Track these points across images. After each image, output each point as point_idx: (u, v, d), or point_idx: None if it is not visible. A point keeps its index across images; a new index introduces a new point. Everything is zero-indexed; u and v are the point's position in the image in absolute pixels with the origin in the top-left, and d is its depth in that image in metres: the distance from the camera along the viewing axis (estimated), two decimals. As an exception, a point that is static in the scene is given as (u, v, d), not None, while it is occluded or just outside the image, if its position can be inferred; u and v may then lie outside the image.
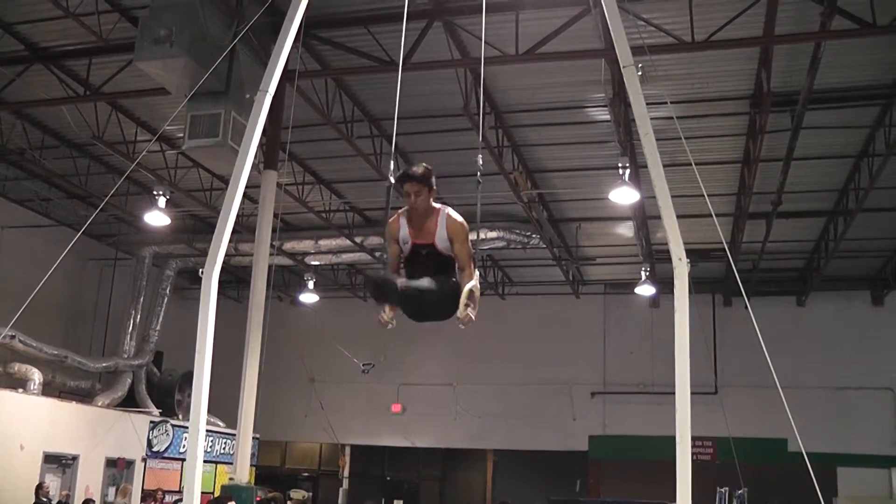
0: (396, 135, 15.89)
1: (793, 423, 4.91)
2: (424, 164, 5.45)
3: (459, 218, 5.45)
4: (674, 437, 17.84)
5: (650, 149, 5.06)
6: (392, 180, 6.25)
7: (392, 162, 6.47)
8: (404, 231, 5.47)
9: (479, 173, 5.88)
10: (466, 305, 5.14)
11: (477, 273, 5.33)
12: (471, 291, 5.19)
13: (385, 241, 5.71)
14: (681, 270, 4.74)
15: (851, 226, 17.56)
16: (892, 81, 13.36)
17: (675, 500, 11.78)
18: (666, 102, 9.22)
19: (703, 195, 14.69)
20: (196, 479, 5.06)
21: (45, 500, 15.83)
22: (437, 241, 5.37)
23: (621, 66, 5.35)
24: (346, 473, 26.64)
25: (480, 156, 5.88)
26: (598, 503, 17.57)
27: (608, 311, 24.73)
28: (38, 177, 19.00)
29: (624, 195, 15.31)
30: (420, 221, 5.41)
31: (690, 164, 13.56)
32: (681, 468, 4.54)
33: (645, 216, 18.09)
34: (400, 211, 5.59)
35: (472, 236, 5.64)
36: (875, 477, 21.39)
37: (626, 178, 14.80)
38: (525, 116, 15.24)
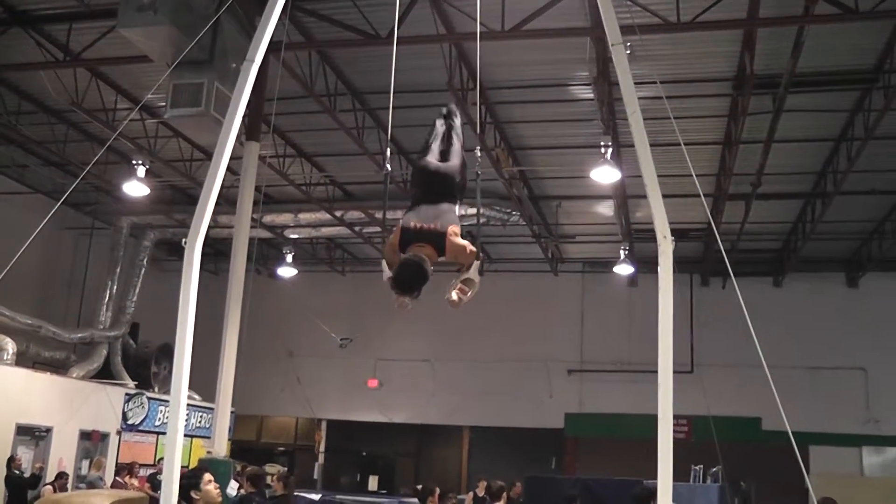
0: (379, 109, 15.90)
1: (779, 403, 4.93)
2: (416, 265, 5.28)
3: (460, 241, 5.52)
4: (650, 416, 17.92)
5: (637, 127, 5.05)
6: (388, 168, 6.49)
7: (388, 151, 6.60)
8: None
9: (477, 167, 6.32)
10: (462, 290, 5.23)
11: (477, 264, 5.40)
12: (469, 280, 5.29)
13: (385, 258, 5.70)
14: (665, 248, 4.75)
15: (829, 208, 17.72)
16: (872, 67, 13.44)
17: (651, 478, 11.87)
18: (655, 82, 9.21)
19: (683, 175, 14.92)
20: (176, 453, 5.04)
21: (17, 472, 15.73)
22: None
23: (610, 44, 5.33)
24: (322, 448, 26.67)
25: (479, 152, 6.01)
26: (573, 481, 17.66)
27: (586, 290, 24.81)
28: (15, 143, 18.75)
29: (605, 174, 15.34)
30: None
31: (671, 145, 13.69)
32: (662, 446, 4.57)
33: (625, 195, 18.13)
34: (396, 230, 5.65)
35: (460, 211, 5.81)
36: (847, 455, 21.76)
37: (608, 157, 14.83)
38: (509, 93, 15.20)
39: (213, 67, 11.59)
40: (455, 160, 6.23)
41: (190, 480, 5.86)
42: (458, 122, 6.60)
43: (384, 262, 5.64)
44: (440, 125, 6.49)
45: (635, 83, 5.39)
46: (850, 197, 17.75)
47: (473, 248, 5.47)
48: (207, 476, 5.92)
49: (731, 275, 5.35)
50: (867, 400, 22.57)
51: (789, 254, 22.13)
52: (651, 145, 5.22)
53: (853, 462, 22.28)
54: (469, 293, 5.32)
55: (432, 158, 6.13)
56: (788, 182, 18.02)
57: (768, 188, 17.17)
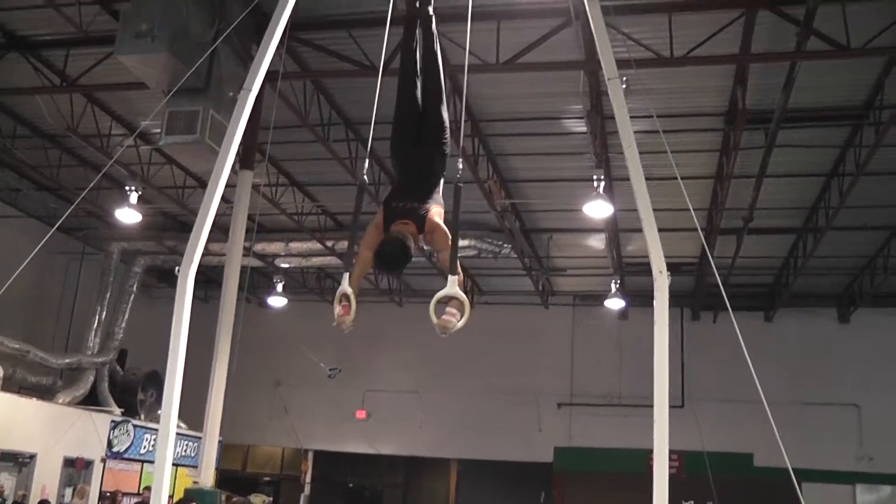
0: (373, 139, 15.91)
1: (779, 439, 4.88)
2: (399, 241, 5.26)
3: (439, 221, 5.38)
4: (640, 450, 17.96)
5: (633, 161, 5.05)
6: (365, 179, 6.25)
7: (367, 162, 6.45)
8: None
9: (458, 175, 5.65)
10: (451, 313, 4.96)
11: (457, 277, 5.03)
12: (455, 299, 4.99)
13: (358, 245, 5.59)
14: (661, 283, 4.74)
15: (820, 243, 17.79)
16: (863, 103, 13.55)
17: (639, 513, 11.76)
18: (649, 116, 9.25)
19: (675, 209, 14.94)
20: (164, 482, 4.98)
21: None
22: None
23: (606, 78, 5.35)
24: (308, 479, 26.46)
25: (460, 161, 5.76)
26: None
27: (577, 323, 24.78)
28: (8, 167, 18.73)
29: (598, 208, 15.36)
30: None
31: (664, 179, 13.73)
32: (658, 482, 4.53)
33: (617, 228, 18.16)
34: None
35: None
36: (839, 493, 21.61)
37: (601, 191, 14.86)
38: (502, 125, 15.27)
39: (209, 95, 11.61)
40: (438, 109, 5.83)
41: (178, 511, 5.81)
42: (434, 26, 5.96)
43: (356, 260, 5.55)
44: (413, 37, 5.92)
45: (630, 117, 5.40)
46: (842, 232, 17.82)
47: (447, 233, 5.33)
48: (195, 508, 5.86)
49: (729, 308, 5.33)
50: (861, 436, 22.50)
51: (781, 289, 22.15)
52: (645, 179, 5.22)
53: (847, 499, 22.13)
54: (461, 318, 4.96)
55: (408, 124, 5.74)
56: (780, 217, 18.10)
57: (760, 223, 17.23)
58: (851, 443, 22.35)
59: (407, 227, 5.28)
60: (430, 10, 5.85)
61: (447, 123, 5.73)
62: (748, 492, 20.54)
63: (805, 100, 13.34)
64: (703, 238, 8.11)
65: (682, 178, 16.30)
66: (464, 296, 5.06)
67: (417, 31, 5.84)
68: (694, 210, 16.61)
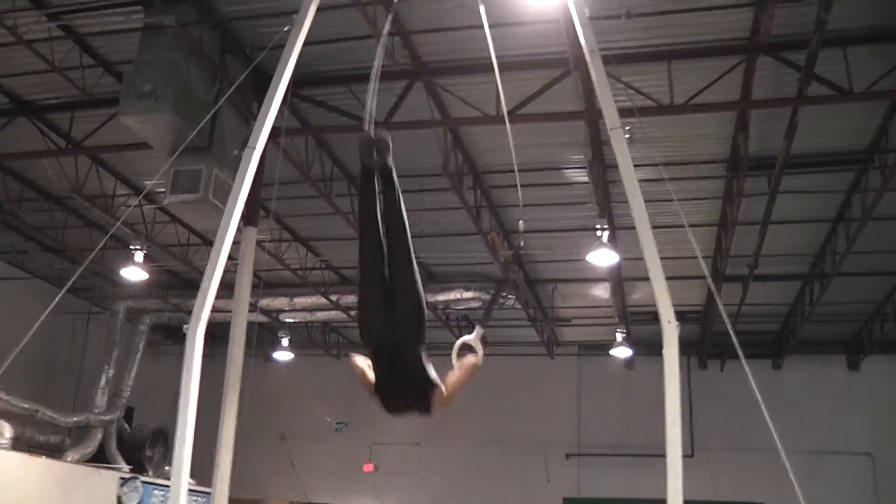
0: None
1: (797, 488, 4.83)
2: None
3: (443, 397, 5.22)
4: (649, 500, 17.57)
5: (639, 211, 5.07)
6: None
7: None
8: None
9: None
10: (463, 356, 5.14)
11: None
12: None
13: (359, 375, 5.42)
14: (670, 333, 4.72)
15: (827, 290, 17.69)
16: (867, 147, 13.53)
17: (652, 565, 11.60)
18: (654, 164, 9.28)
19: (679, 257, 14.95)
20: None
21: (9, 560, 15.42)
22: None
23: (609, 128, 5.39)
24: (316, 533, 26.17)
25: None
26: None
27: (582, 372, 24.65)
28: (15, 229, 18.84)
29: (602, 257, 15.37)
30: None
31: (668, 227, 13.75)
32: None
33: (621, 277, 18.16)
34: None
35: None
36: (854, 543, 21.29)
37: (604, 240, 14.88)
38: (503, 177, 15.31)
39: (212, 154, 11.71)
40: (411, 280, 5.09)
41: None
42: (395, 178, 5.13)
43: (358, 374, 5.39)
44: (372, 195, 5.14)
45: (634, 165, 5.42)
46: (849, 278, 17.73)
47: (458, 381, 5.18)
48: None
49: (741, 355, 5.29)
50: (875, 486, 22.17)
51: (788, 336, 22.02)
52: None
53: (864, 552, 21.83)
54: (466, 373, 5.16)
55: (377, 306, 5.11)
56: (786, 263, 18.04)
57: (765, 269, 17.19)
58: (866, 492, 21.98)
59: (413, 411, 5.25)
60: (390, 160, 5.12)
61: (422, 294, 5.15)
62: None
63: (808, 145, 13.33)
64: (711, 285, 8.04)
65: (683, 227, 16.39)
66: (479, 346, 5.43)
67: (377, 187, 5.15)
68: (698, 258, 16.65)
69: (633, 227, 5.26)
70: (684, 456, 4.67)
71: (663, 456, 4.70)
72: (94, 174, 15.71)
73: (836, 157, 13.94)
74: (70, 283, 7.89)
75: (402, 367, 5.07)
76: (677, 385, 4.66)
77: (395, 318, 5.00)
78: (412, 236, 5.16)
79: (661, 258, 5.10)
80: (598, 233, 14.98)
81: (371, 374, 5.21)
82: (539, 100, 12.10)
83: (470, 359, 5.23)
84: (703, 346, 22.39)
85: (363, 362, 5.28)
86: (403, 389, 5.12)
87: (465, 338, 5.58)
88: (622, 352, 21.85)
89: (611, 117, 5.34)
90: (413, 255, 5.04)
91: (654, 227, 5.12)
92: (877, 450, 22.21)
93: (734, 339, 5.30)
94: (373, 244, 5.04)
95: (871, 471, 22.22)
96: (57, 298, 7.28)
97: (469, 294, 19.10)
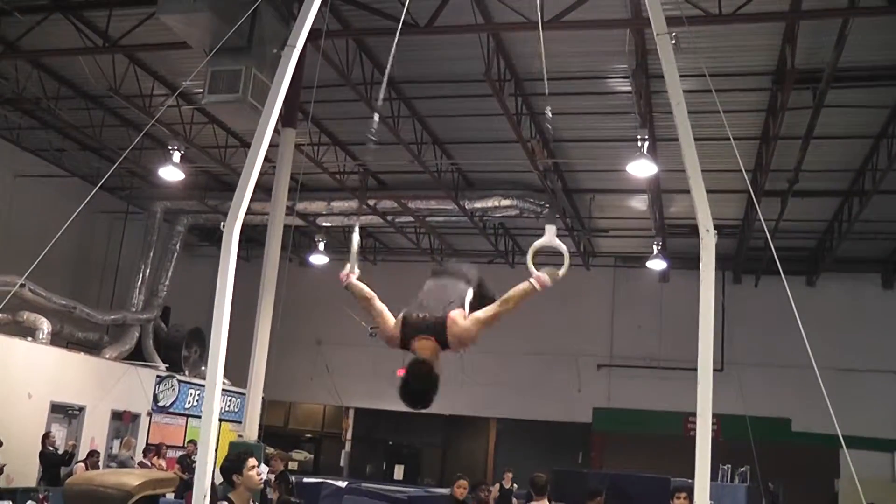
0: (415, 98, 15.91)
1: (829, 405, 4.83)
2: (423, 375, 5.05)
3: (462, 322, 5.08)
4: (678, 413, 17.90)
5: (681, 117, 4.96)
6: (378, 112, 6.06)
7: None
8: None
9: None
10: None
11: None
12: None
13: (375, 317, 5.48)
14: (708, 242, 4.66)
15: (866, 207, 17.46)
16: (917, 61, 13.19)
17: (677, 475, 11.73)
18: (700, 75, 9.05)
19: (718, 170, 14.77)
20: (211, 436, 5.05)
21: (51, 449, 15.97)
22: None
23: (655, 34, 5.24)
24: (349, 436, 26.78)
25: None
26: (601, 475, 17.59)
27: (618, 284, 24.71)
28: (53, 127, 18.97)
29: (641, 168, 15.21)
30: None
31: (707, 139, 13.54)
32: (700, 445, 4.50)
33: (660, 189, 18.01)
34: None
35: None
36: (878, 460, 21.40)
37: (645, 151, 14.71)
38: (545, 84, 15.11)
39: (251, 54, 11.62)
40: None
41: (233, 464, 5.90)
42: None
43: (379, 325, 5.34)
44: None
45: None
46: (889, 196, 17.45)
47: (478, 323, 5.04)
48: (252, 461, 5.94)
49: (780, 270, 5.24)
50: (901, 404, 22.31)
51: (824, 253, 21.86)
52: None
53: (885, 466, 21.95)
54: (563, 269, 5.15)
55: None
56: (826, 179, 17.78)
57: (805, 185, 16.95)
58: (891, 410, 22.06)
59: (426, 343, 5.04)
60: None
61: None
62: (785, 456, 20.44)
63: (856, 58, 12.97)
64: (754, 197, 7.93)
65: (724, 140, 16.21)
66: (563, 246, 5.28)
67: None
68: (738, 171, 16.53)
69: (674, 139, 5.19)
70: (715, 370, 4.67)
71: (694, 369, 4.70)
72: (131, 74, 15.67)
73: (883, 72, 13.60)
74: (105, 180, 7.93)
75: (440, 289, 5.22)
76: (712, 294, 4.63)
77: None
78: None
79: (701, 171, 5.02)
80: (639, 143, 14.78)
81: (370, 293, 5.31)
82: (584, 7, 11.83)
83: (523, 286, 5.07)
84: (739, 261, 22.29)
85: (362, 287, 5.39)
86: (431, 305, 5.10)
87: (540, 242, 5.33)
88: (657, 264, 21.80)
89: (658, 23, 5.19)
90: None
91: (695, 140, 5.01)
92: (905, 368, 22.22)
93: (774, 254, 5.24)
94: None
95: (898, 389, 22.30)
96: (91, 194, 7.33)
97: (507, 202, 19.05)
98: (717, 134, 13.66)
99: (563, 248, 5.28)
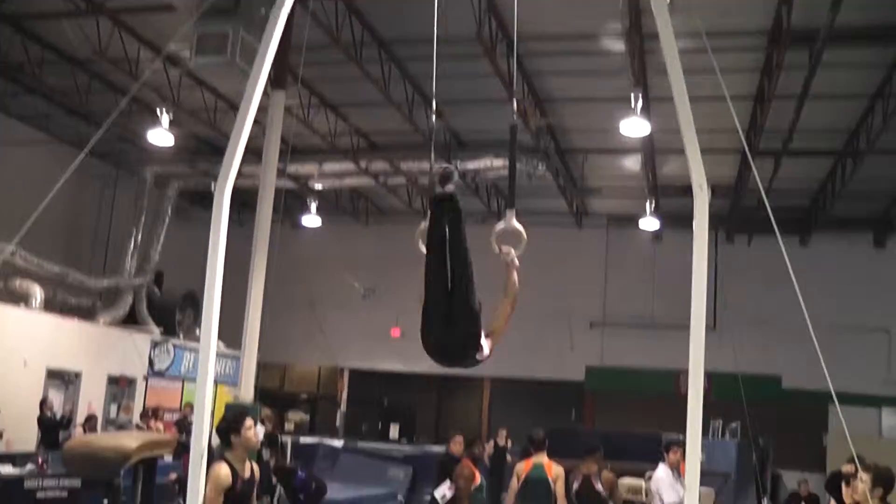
0: (406, 59, 15.78)
1: (822, 364, 4.88)
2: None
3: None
4: (669, 371, 17.97)
5: (676, 75, 4.94)
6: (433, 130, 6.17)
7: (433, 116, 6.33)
8: None
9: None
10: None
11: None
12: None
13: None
14: (701, 199, 4.66)
15: (860, 167, 17.47)
16: (913, 21, 13.09)
17: (669, 432, 11.83)
18: (692, 33, 8.97)
19: (712, 130, 14.71)
20: (207, 398, 5.06)
21: (49, 414, 16.03)
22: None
23: (649, -8, 5.20)
24: (344, 397, 26.92)
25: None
26: (593, 433, 17.76)
27: (610, 244, 24.73)
28: (38, 93, 18.73)
29: (635, 127, 15.17)
30: None
31: (701, 99, 13.44)
32: (692, 402, 4.54)
33: (653, 149, 17.97)
34: None
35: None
36: (866, 416, 21.59)
37: (638, 110, 14.65)
38: (538, 45, 15.00)
39: (239, 16, 11.50)
40: (467, 298, 5.29)
41: (231, 424, 5.93)
42: (460, 207, 5.19)
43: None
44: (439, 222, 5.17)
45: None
46: (882, 156, 17.44)
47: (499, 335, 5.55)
48: (249, 421, 5.97)
49: (775, 228, 5.26)
50: (889, 361, 22.45)
51: (817, 213, 21.90)
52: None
53: (872, 422, 22.19)
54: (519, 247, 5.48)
55: (437, 308, 5.30)
56: (820, 139, 17.73)
57: (798, 144, 16.93)
58: (880, 367, 22.26)
59: None
60: (459, 205, 5.24)
61: (478, 313, 5.39)
62: (775, 412, 20.65)
63: (852, 18, 12.77)
64: (749, 157, 7.92)
65: (718, 99, 16.15)
66: (520, 227, 5.46)
67: (444, 222, 5.19)
68: (732, 131, 16.52)
69: (668, 98, 5.15)
70: (707, 328, 4.69)
71: (686, 328, 4.73)
72: (116, 38, 15.45)
73: (880, 31, 13.48)
74: (92, 145, 7.82)
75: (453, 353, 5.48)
76: (705, 250, 4.64)
77: (452, 335, 5.36)
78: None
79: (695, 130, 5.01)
80: (632, 103, 14.72)
81: None
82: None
83: (511, 291, 5.71)
84: (732, 221, 22.32)
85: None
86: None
87: (500, 226, 5.56)
88: (650, 224, 21.83)
89: (652, -20, 5.15)
90: (474, 282, 5.30)
91: (690, 99, 4.99)
92: (894, 326, 22.38)
93: (770, 213, 5.24)
94: (438, 268, 5.23)
95: (888, 346, 22.47)
96: (79, 159, 7.26)
97: (499, 162, 18.96)
98: (710, 94, 13.55)
99: (521, 229, 5.54)
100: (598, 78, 16.02)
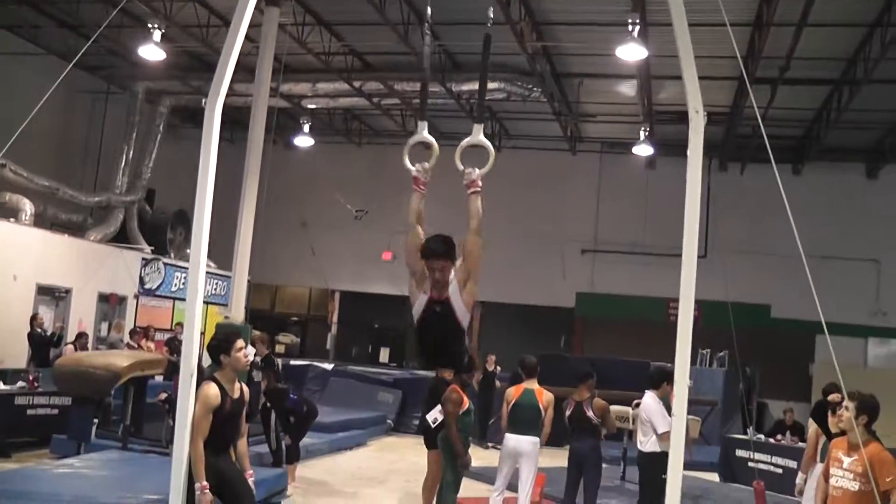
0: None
1: (814, 294, 4.91)
2: (444, 236, 5.28)
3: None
4: (659, 299, 18.11)
5: (675, -1, 4.86)
6: (427, 51, 6.09)
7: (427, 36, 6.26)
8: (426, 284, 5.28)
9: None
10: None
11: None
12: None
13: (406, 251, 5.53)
14: (697, 123, 4.63)
15: (856, 97, 17.35)
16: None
17: (657, 360, 11.93)
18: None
19: (708, 56, 14.54)
20: (197, 317, 5.08)
21: (39, 330, 16.07)
22: (450, 294, 5.20)
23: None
24: (334, 319, 27.07)
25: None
26: (583, 360, 17.93)
27: (603, 170, 24.68)
28: (27, 3, 18.35)
29: (631, 51, 15.00)
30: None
31: (698, 25, 13.26)
32: (682, 330, 4.56)
33: (649, 75, 17.79)
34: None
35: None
36: (852, 345, 21.85)
37: (636, 35, 14.47)
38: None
39: (233, -72, 11.23)
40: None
41: (221, 343, 5.93)
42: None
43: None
44: None
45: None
46: (878, 85, 17.29)
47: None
48: (240, 342, 5.98)
49: (771, 156, 5.17)
50: (878, 292, 22.66)
51: (811, 142, 21.83)
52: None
53: (858, 352, 22.46)
54: (486, 166, 5.40)
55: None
56: (817, 68, 17.55)
57: (795, 73, 16.77)
58: (868, 298, 22.50)
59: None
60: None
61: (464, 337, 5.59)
62: (763, 341, 20.85)
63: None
64: (747, 83, 7.83)
65: (716, 26, 15.95)
66: (488, 143, 5.39)
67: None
68: (728, 58, 16.34)
69: (665, 24, 5.09)
70: (698, 256, 4.69)
71: (677, 256, 4.73)
72: (109, -53, 15.17)
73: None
74: (80, 56, 7.70)
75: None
76: (699, 175, 4.62)
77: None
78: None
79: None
80: (630, 27, 14.52)
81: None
82: None
83: (475, 221, 5.54)
84: (725, 149, 22.24)
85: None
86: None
87: (466, 141, 5.55)
88: (644, 150, 21.75)
89: None
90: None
91: (688, 24, 4.91)
92: (884, 257, 22.55)
93: (766, 141, 5.19)
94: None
95: (876, 277, 22.65)
96: (66, 71, 7.14)
97: (494, 85, 18.74)
98: (708, 20, 13.38)
99: (489, 145, 5.50)
100: (596, 2, 15.78)
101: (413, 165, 5.33)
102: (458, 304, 5.18)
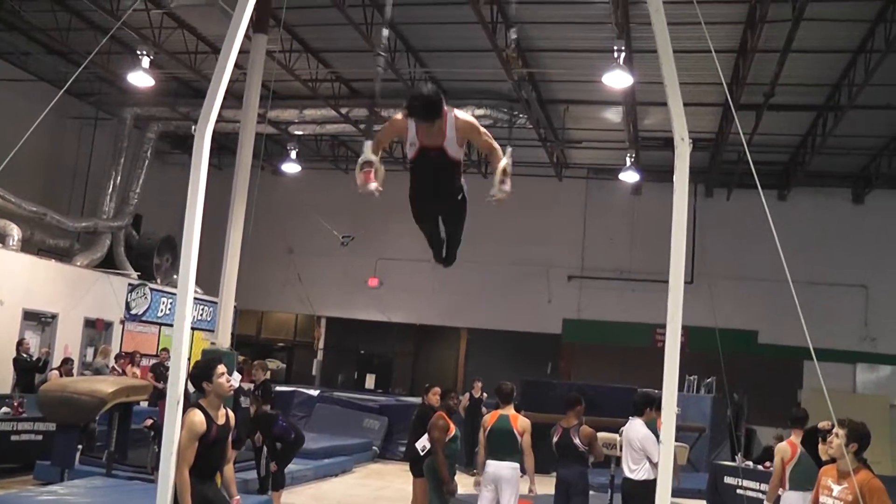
0: (388, 4, 15.58)
1: (801, 318, 4.91)
2: (432, 89, 5.10)
3: (467, 116, 5.29)
4: (646, 325, 18.15)
5: (660, 26, 4.90)
6: (382, 53, 6.06)
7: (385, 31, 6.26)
8: (412, 132, 5.14)
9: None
10: (502, 182, 5.16)
11: (509, 149, 5.31)
12: (504, 169, 5.20)
13: (381, 130, 5.48)
14: (682, 150, 4.65)
15: (841, 122, 17.49)
16: (897, -26, 13.06)
17: (644, 386, 11.91)
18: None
19: (693, 83, 14.65)
20: (184, 343, 5.06)
21: (24, 356, 15.98)
22: (446, 144, 5.15)
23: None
24: (320, 345, 26.98)
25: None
26: (570, 386, 17.91)
27: (590, 196, 24.76)
28: (18, 29, 18.42)
29: (617, 78, 15.10)
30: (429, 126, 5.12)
31: (683, 52, 13.38)
32: (669, 356, 4.57)
33: (635, 101, 17.92)
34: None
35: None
36: (840, 371, 21.86)
37: (621, 62, 14.57)
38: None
39: (221, -45, 11.32)
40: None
41: (203, 371, 5.92)
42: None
43: (368, 144, 5.38)
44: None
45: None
46: (863, 111, 17.47)
47: (474, 120, 5.36)
48: (221, 368, 5.95)
49: (757, 182, 5.21)
50: (865, 317, 22.69)
51: (797, 167, 21.96)
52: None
53: (847, 378, 22.46)
54: (509, 182, 5.24)
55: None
56: (801, 94, 17.70)
57: (780, 99, 16.91)
58: (856, 323, 22.54)
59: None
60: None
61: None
62: (751, 367, 20.88)
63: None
64: (732, 109, 7.90)
65: (702, 52, 16.05)
66: (511, 164, 5.35)
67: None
68: (713, 84, 16.48)
69: (650, 51, 5.14)
70: (685, 282, 4.71)
71: (664, 282, 4.75)
72: (97, -25, 15.21)
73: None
74: (71, 83, 7.73)
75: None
76: (685, 201, 4.64)
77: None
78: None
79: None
80: (615, 54, 14.63)
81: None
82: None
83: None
84: (711, 175, 22.37)
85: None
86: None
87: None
88: (630, 176, 21.84)
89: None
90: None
91: (673, 51, 4.95)
92: (872, 282, 22.61)
93: (751, 167, 5.22)
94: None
95: (864, 302, 22.69)
96: (57, 97, 7.18)
97: (480, 111, 18.84)
98: (693, 46, 13.54)
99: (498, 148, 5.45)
100: (581, 28, 15.91)
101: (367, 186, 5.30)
102: (453, 148, 5.21)
